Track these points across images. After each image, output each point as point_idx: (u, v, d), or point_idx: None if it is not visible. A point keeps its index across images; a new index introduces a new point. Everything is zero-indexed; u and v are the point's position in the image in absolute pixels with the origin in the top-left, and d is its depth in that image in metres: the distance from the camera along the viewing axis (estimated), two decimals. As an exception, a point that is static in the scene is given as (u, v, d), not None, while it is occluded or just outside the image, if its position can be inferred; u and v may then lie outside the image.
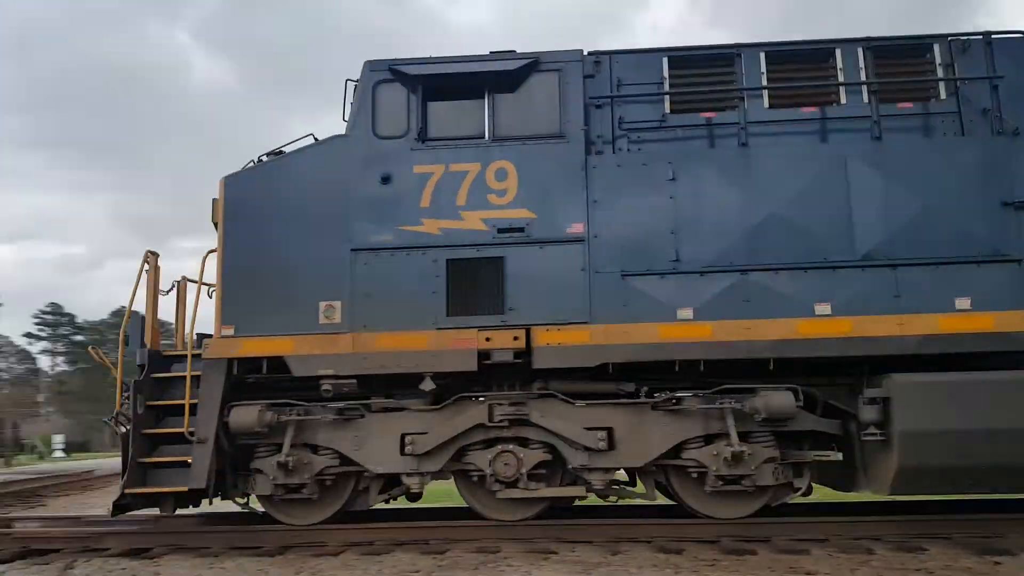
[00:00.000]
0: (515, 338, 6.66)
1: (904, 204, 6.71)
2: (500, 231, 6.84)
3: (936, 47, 7.33)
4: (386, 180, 6.97)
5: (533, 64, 7.11)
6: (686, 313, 6.64)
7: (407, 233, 6.89)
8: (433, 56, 7.23)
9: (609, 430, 6.77)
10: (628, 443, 6.79)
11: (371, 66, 7.21)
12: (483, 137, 7.06)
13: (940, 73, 7.29)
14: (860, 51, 7.34)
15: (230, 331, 6.89)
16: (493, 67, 7.05)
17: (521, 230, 6.83)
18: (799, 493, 7.00)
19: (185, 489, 6.77)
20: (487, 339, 6.68)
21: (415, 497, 7.55)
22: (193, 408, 6.89)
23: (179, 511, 7.22)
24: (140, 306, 7.48)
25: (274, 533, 6.76)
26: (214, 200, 7.13)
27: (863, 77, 7.28)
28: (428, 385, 6.75)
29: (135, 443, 6.90)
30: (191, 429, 6.83)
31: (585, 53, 7.24)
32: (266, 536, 6.70)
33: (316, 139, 7.26)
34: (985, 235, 6.62)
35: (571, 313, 6.70)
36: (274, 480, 6.86)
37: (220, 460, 6.91)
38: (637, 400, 6.80)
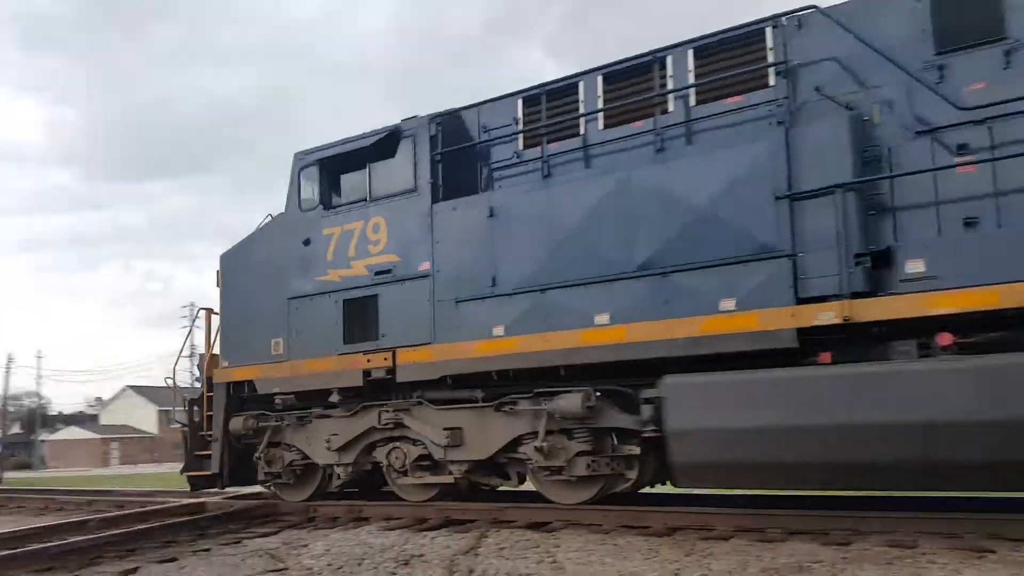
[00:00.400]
0: (385, 359, 8.43)
1: (679, 212, 6.95)
2: (376, 274, 8.63)
3: (768, 31, 7.30)
4: (307, 243, 9.19)
5: (396, 133, 8.73)
6: (499, 330, 7.76)
7: (319, 282, 9.04)
8: (339, 139, 9.21)
9: (460, 430, 8.18)
10: (474, 440, 8.13)
11: (297, 156, 9.47)
12: (365, 200, 8.89)
13: (771, 59, 7.27)
14: (689, 53, 7.62)
15: (226, 363, 9.74)
16: (360, 144, 8.82)
17: (389, 271, 8.54)
18: (629, 484, 7.61)
19: (209, 473, 9.80)
20: (368, 360, 8.56)
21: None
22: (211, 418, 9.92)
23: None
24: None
25: (660, 514, 6.94)
26: (216, 272, 10.05)
27: (690, 80, 7.58)
28: (335, 398, 8.85)
29: (192, 441, 10.12)
30: (210, 431, 9.84)
31: (428, 120, 8.58)
32: (652, 517, 6.91)
33: (272, 216, 9.76)
34: (755, 233, 6.61)
35: (421, 336, 8.24)
36: (263, 469, 9.54)
37: (232, 454, 9.79)
38: (482, 404, 8.09)
